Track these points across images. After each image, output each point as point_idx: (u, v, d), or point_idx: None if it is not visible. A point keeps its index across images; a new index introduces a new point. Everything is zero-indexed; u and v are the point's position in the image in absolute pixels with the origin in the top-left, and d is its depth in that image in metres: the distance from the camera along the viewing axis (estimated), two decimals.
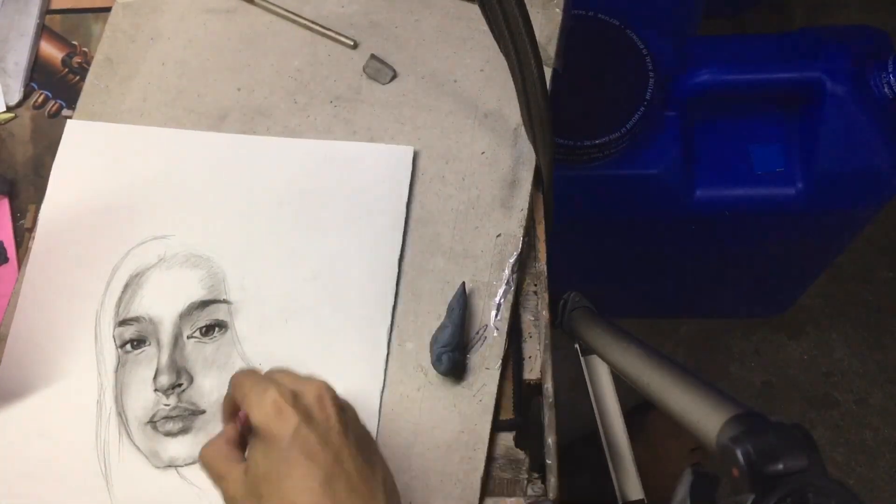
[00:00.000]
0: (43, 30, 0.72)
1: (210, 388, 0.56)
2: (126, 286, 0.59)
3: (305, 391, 0.43)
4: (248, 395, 0.43)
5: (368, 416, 0.55)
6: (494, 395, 0.55)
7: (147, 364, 0.57)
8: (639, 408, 1.17)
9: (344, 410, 0.44)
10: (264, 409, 0.41)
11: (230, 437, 0.45)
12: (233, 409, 0.46)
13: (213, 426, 0.56)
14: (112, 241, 0.61)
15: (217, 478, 0.43)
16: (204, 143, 0.64)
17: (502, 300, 0.58)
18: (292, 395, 0.42)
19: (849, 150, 0.93)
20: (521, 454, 0.55)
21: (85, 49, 0.71)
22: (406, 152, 0.62)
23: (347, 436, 0.42)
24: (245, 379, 0.44)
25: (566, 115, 0.88)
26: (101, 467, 0.55)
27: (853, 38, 0.95)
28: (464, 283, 0.57)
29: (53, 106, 0.69)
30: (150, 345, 0.58)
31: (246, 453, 0.44)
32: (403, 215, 0.60)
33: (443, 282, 0.59)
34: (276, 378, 0.44)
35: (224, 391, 0.56)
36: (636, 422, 1.10)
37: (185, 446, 0.55)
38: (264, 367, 0.56)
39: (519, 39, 0.47)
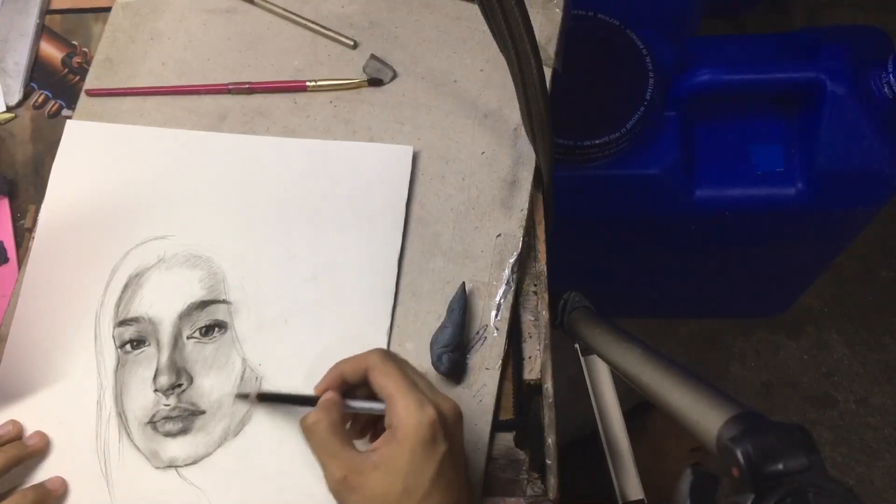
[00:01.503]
0: (43, 30, 0.72)
1: (210, 389, 0.56)
2: (126, 286, 0.59)
3: (447, 413, 0.45)
4: (403, 397, 0.44)
5: None
6: (494, 395, 0.55)
7: (147, 364, 0.57)
8: (639, 408, 1.17)
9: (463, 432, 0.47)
10: (421, 429, 0.43)
11: (342, 415, 0.46)
12: (343, 381, 0.47)
13: (213, 426, 0.56)
14: (112, 242, 0.61)
15: (332, 456, 0.44)
16: (204, 143, 0.64)
17: (502, 300, 0.58)
18: (442, 419, 0.44)
19: (849, 150, 0.93)
20: (521, 454, 0.55)
21: (85, 49, 0.71)
22: (406, 152, 0.62)
23: (466, 466, 0.46)
24: (400, 377, 0.45)
25: (566, 115, 0.88)
26: (101, 467, 0.55)
27: (853, 38, 0.95)
28: (464, 283, 0.57)
29: (53, 106, 0.69)
30: (149, 345, 0.58)
31: (378, 448, 0.44)
32: (403, 215, 0.60)
33: (443, 282, 0.59)
34: (419, 387, 0.45)
35: (224, 392, 0.56)
36: (636, 422, 1.10)
37: (184, 446, 0.55)
38: (264, 367, 0.56)
39: (519, 39, 0.47)
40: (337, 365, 0.48)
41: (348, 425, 0.48)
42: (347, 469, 0.43)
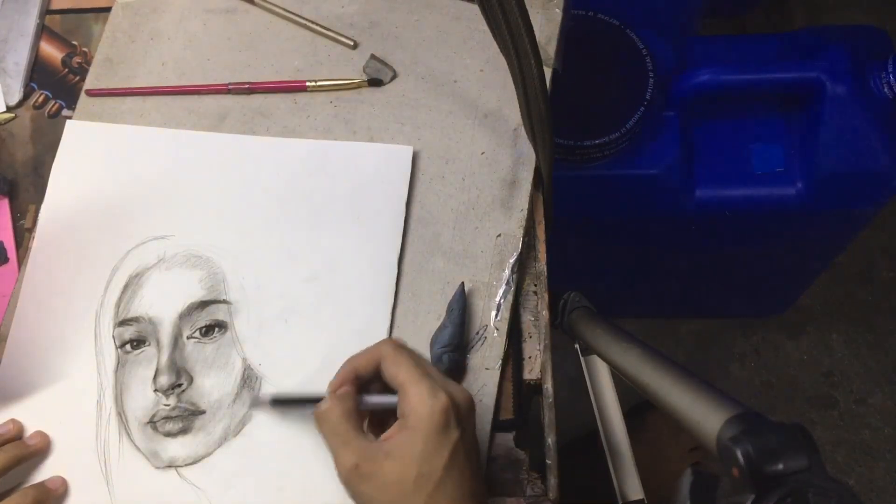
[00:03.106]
0: (43, 30, 0.72)
1: (210, 389, 0.56)
2: (126, 286, 0.59)
3: (460, 401, 0.45)
4: (416, 385, 0.44)
5: None
6: (494, 395, 0.55)
7: (147, 364, 0.57)
8: (639, 408, 1.17)
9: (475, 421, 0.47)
10: (434, 416, 0.43)
11: (349, 409, 0.45)
12: (357, 376, 0.47)
13: (213, 426, 0.56)
14: (112, 242, 0.61)
15: (344, 444, 0.44)
16: (204, 143, 0.64)
17: (502, 300, 0.58)
18: (455, 406, 0.44)
19: (849, 150, 0.93)
20: (521, 454, 0.55)
21: (85, 49, 0.71)
22: (406, 152, 0.62)
23: (479, 452, 0.47)
24: (412, 366, 0.45)
25: (566, 115, 0.88)
26: (101, 467, 0.55)
27: (853, 38, 0.95)
28: (463, 283, 0.57)
29: (53, 106, 0.69)
30: (149, 345, 0.58)
31: (390, 437, 0.44)
32: (403, 215, 0.60)
33: (443, 282, 0.59)
34: (432, 376, 0.45)
35: (224, 392, 0.56)
36: (636, 422, 1.10)
37: (185, 446, 0.55)
38: (265, 367, 0.56)
39: (519, 39, 0.47)
40: (349, 360, 0.48)
41: (365, 425, 0.48)
42: (360, 457, 0.43)
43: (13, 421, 0.56)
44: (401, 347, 0.47)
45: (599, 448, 0.73)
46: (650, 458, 1.06)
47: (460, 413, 0.44)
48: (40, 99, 0.69)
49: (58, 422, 0.56)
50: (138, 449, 0.55)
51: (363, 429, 0.46)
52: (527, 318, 0.59)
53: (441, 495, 0.42)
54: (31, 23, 0.71)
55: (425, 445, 0.42)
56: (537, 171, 0.61)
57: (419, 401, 0.43)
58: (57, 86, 0.70)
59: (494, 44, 0.50)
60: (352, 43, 0.67)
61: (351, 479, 0.43)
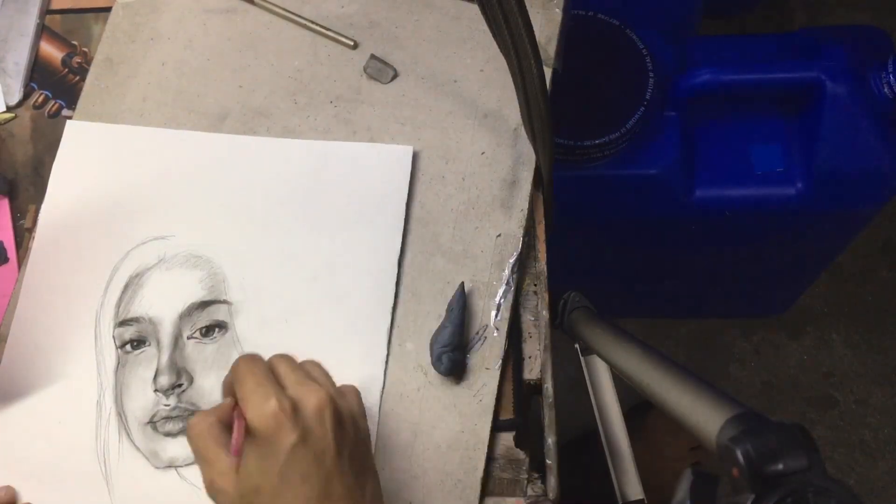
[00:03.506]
0: (43, 30, 0.72)
1: (210, 389, 0.56)
2: (126, 286, 0.59)
3: (306, 402, 0.43)
4: (250, 397, 0.42)
5: (368, 417, 0.54)
6: (494, 395, 0.55)
7: (147, 364, 0.57)
8: (639, 407, 1.17)
9: (342, 422, 0.44)
10: (264, 420, 0.41)
11: (223, 417, 0.44)
12: (232, 390, 0.46)
13: None
14: (112, 242, 0.61)
15: (204, 460, 0.43)
16: (204, 143, 0.64)
17: (502, 300, 0.58)
18: (292, 408, 0.42)
19: (849, 150, 0.93)
20: (521, 454, 0.55)
21: (85, 49, 0.71)
22: (406, 152, 0.62)
23: (342, 455, 0.43)
24: (249, 374, 0.44)
25: (566, 115, 0.88)
26: (101, 467, 0.55)
27: (853, 38, 0.95)
28: (462, 283, 0.57)
29: (53, 106, 0.69)
30: (149, 345, 0.58)
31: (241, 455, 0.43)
32: (403, 215, 0.60)
33: (443, 282, 0.59)
34: (279, 374, 0.44)
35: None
36: (636, 421, 1.10)
37: (184, 447, 0.55)
38: None
39: (519, 39, 0.47)
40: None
41: None
42: (215, 473, 0.42)
43: (7, 488, 0.55)
44: (247, 359, 0.45)
45: (599, 448, 0.73)
46: (650, 457, 1.06)
47: (302, 415, 0.42)
48: (40, 99, 0.69)
49: (58, 422, 0.56)
50: (138, 449, 0.55)
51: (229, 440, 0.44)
52: (527, 318, 0.59)
53: (280, 501, 0.41)
54: (31, 23, 0.71)
55: (257, 454, 0.41)
56: (537, 171, 0.61)
57: (249, 411, 0.42)
58: (57, 86, 0.70)
59: (494, 44, 0.50)
60: (352, 43, 0.67)
61: (210, 493, 0.43)
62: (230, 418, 0.44)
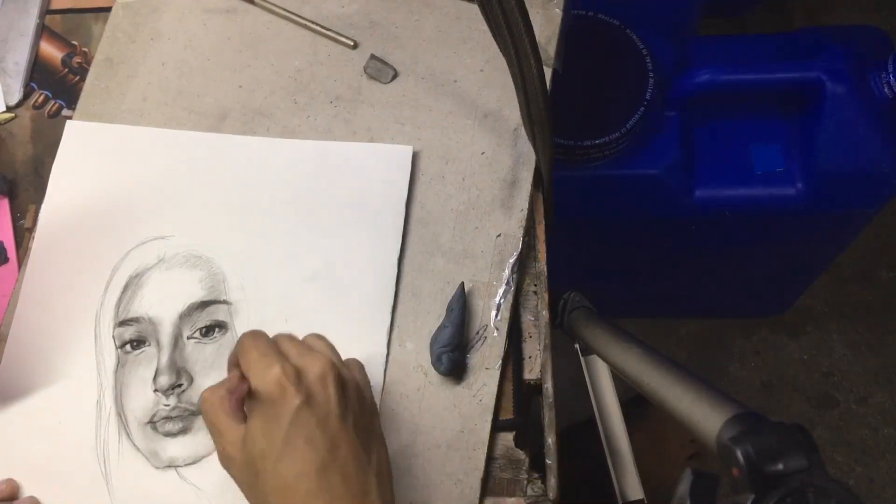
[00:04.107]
0: (43, 30, 0.72)
1: None
2: (126, 286, 0.59)
3: (309, 368, 0.43)
4: (253, 366, 0.43)
5: None
6: (494, 395, 0.55)
7: (147, 364, 0.57)
8: (640, 397, 1.16)
9: (345, 388, 0.44)
10: (268, 386, 0.42)
11: (233, 388, 0.44)
12: (237, 362, 0.46)
13: None
14: (112, 242, 0.61)
15: (216, 431, 0.44)
16: (204, 143, 0.64)
17: (502, 300, 0.58)
18: (295, 374, 0.42)
19: (849, 150, 0.93)
20: (521, 454, 0.55)
21: (85, 49, 0.71)
22: (405, 152, 0.62)
23: (346, 419, 0.43)
24: (252, 347, 0.44)
25: (566, 115, 0.88)
26: (100, 467, 0.55)
27: (853, 38, 0.95)
28: (462, 283, 0.57)
29: (53, 106, 0.69)
30: (149, 345, 0.58)
31: (246, 419, 0.44)
32: (403, 215, 0.60)
33: (443, 282, 0.59)
34: (282, 348, 0.45)
35: None
36: (637, 410, 1.10)
37: (184, 446, 0.55)
38: None
39: (519, 39, 0.47)
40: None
41: None
42: (226, 442, 0.43)
43: (9, 481, 0.55)
44: (250, 333, 0.46)
45: (595, 435, 0.73)
46: (651, 445, 1.06)
47: (305, 380, 0.42)
48: (40, 99, 0.69)
49: (57, 422, 0.56)
50: (138, 449, 0.55)
51: (242, 411, 0.45)
52: (527, 318, 0.59)
53: (283, 468, 0.41)
54: (31, 23, 0.71)
55: (262, 420, 0.42)
56: (537, 171, 0.61)
57: (254, 377, 0.43)
58: (57, 86, 0.70)
59: (494, 44, 0.50)
60: (352, 43, 0.67)
61: (223, 463, 0.44)
62: (240, 390, 0.45)
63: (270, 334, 0.57)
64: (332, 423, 0.42)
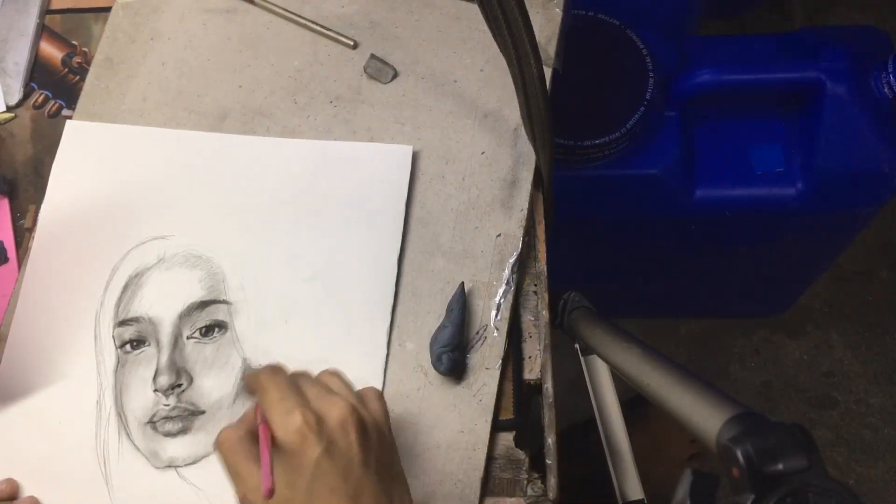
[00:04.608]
0: (43, 30, 0.72)
1: (210, 389, 0.56)
2: (126, 286, 0.59)
3: (329, 414, 0.43)
4: (273, 410, 0.43)
5: None
6: (494, 395, 0.55)
7: (147, 364, 0.57)
8: (640, 397, 1.16)
9: (366, 432, 0.44)
10: (289, 434, 0.41)
11: (251, 428, 0.44)
12: (253, 391, 0.45)
13: (212, 426, 0.56)
14: (111, 242, 0.61)
15: (236, 476, 0.43)
16: (204, 143, 0.64)
17: (502, 300, 0.58)
18: (317, 421, 0.42)
19: (849, 150, 0.93)
20: (521, 454, 0.55)
21: (85, 49, 0.71)
22: (405, 152, 0.62)
23: (368, 465, 0.43)
24: (270, 388, 0.44)
25: (566, 115, 0.87)
26: (100, 467, 0.55)
27: (853, 38, 0.95)
28: (462, 283, 0.57)
29: (53, 106, 0.69)
30: (149, 345, 0.58)
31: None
32: (403, 215, 0.60)
33: (443, 282, 0.59)
34: (302, 390, 0.44)
35: (224, 392, 0.56)
36: (638, 410, 1.10)
37: (184, 446, 0.55)
38: None
39: (519, 39, 0.47)
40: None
41: None
42: (247, 488, 0.42)
43: (9, 481, 0.55)
44: (269, 369, 0.45)
45: (595, 435, 0.73)
46: (651, 446, 1.06)
47: (326, 428, 0.42)
48: (40, 99, 0.69)
49: (57, 422, 0.56)
50: (138, 449, 0.55)
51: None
52: (527, 318, 0.59)
53: None
54: (31, 23, 0.71)
55: (285, 469, 0.41)
56: (537, 171, 0.61)
57: (275, 425, 0.42)
58: (57, 86, 0.70)
59: (494, 44, 0.50)
60: (352, 43, 0.67)
61: None
62: (250, 431, 0.44)
63: (270, 334, 0.58)
64: (354, 471, 0.42)
